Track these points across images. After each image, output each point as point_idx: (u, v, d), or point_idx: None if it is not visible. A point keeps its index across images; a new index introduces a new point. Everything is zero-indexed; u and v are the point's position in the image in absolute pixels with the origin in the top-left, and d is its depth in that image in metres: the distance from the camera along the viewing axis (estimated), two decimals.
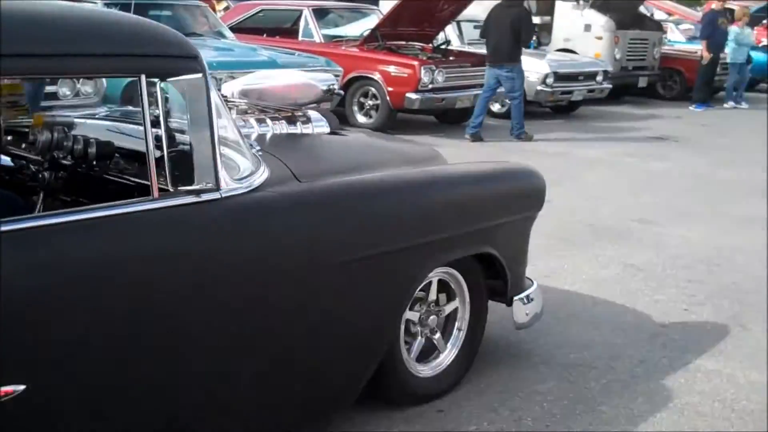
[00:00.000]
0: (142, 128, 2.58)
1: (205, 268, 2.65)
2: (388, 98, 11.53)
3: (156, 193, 2.57)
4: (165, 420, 2.69)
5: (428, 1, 11.99)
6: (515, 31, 11.28)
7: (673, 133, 12.97)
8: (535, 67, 13.65)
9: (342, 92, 11.19)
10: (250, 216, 2.83)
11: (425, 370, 3.84)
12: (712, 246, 6.74)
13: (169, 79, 2.71)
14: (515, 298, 4.09)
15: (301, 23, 12.86)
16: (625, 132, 13.07)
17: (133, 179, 3.07)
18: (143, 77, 2.56)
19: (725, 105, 17.22)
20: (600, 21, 16.15)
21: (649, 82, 17.25)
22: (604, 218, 7.52)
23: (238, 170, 2.89)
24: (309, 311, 3.05)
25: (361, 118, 11.83)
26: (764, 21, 22.44)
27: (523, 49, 15.25)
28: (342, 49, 12.11)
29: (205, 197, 2.69)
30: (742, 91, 17.71)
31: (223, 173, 2.75)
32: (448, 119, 12.83)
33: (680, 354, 4.61)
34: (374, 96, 11.75)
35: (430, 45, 12.67)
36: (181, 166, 2.71)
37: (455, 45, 13.70)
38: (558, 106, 14.55)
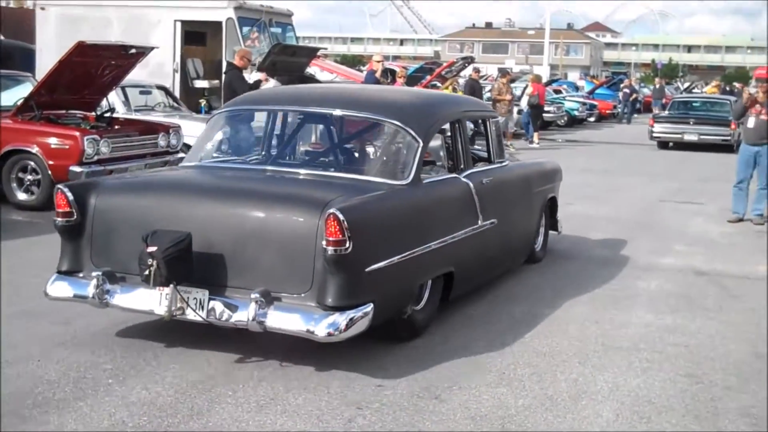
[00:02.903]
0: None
1: (509, 182, 7.54)
2: (50, 172, 10.60)
3: (494, 161, 7.41)
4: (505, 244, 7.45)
5: (87, 66, 11.21)
6: (232, 92, 11.46)
7: None
8: None
9: None
10: (509, 170, 7.65)
11: (537, 246, 8.52)
12: None
13: (490, 121, 7.48)
14: (558, 219, 9.01)
15: None
16: None
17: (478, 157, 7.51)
18: (488, 120, 7.49)
19: None
20: (269, 84, 16.08)
21: None
22: None
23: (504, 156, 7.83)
24: (524, 211, 7.91)
25: (21, 195, 10.78)
26: (422, 81, 23.76)
27: (193, 115, 15.00)
28: None
29: (504, 164, 7.56)
30: None
31: (506, 156, 7.94)
32: None
33: None
34: (35, 170, 10.76)
35: (93, 113, 11.86)
36: (492, 156, 7.44)
37: (121, 112, 12.98)
38: None
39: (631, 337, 6.25)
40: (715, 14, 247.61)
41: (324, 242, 4.92)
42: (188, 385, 4.96)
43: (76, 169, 10.49)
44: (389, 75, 21.50)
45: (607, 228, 10.80)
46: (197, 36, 18.42)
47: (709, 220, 11.92)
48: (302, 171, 6.18)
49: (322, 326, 4.95)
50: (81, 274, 5.66)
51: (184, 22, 17.66)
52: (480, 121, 7.65)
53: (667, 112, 26.33)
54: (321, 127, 7.21)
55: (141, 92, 14.39)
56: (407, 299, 5.72)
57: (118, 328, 5.95)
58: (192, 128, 13.19)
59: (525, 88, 24.32)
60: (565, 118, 31.73)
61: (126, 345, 5.63)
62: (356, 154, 6.94)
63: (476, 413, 4.74)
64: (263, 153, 6.87)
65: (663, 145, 24.70)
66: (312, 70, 23.79)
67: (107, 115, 11.82)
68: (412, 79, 23.01)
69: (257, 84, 12.60)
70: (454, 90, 19.77)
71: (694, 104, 27.19)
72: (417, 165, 5.95)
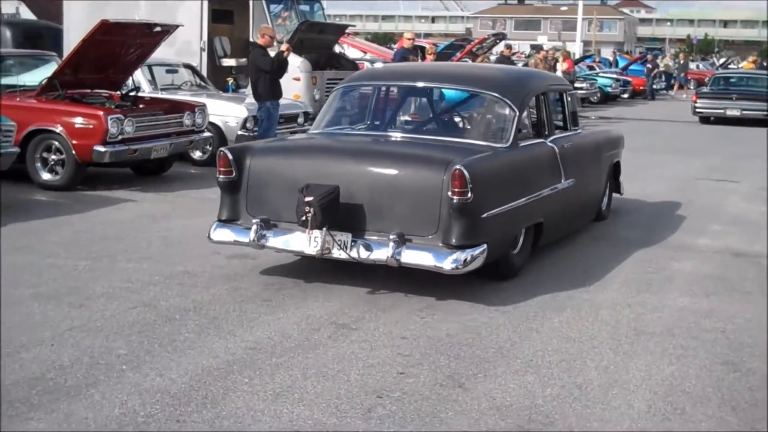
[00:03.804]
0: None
1: (584, 147, 8.61)
2: (74, 152, 10.47)
3: (569, 128, 8.43)
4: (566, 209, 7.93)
5: (112, 44, 11.07)
6: (258, 71, 12.27)
7: None
8: (233, 112, 13.16)
9: (17, 149, 9.96)
10: (584, 137, 8.78)
11: (603, 206, 9.46)
12: (425, 294, 6.48)
13: (567, 93, 8.62)
14: (621, 182, 9.95)
15: None
16: None
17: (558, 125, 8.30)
18: (564, 94, 8.51)
19: None
20: (296, 62, 15.91)
21: None
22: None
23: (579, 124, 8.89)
24: (595, 173, 8.87)
25: (45, 175, 10.66)
26: (453, 58, 23.44)
27: (220, 93, 14.85)
28: (17, 100, 10.87)
29: (578, 132, 8.64)
30: None
31: (579, 126, 8.86)
32: (145, 171, 11.96)
33: (400, 428, 4.19)
34: (59, 150, 10.64)
35: (118, 92, 11.73)
36: (567, 124, 8.46)
37: (147, 91, 12.85)
38: None
39: (665, 322, 6.00)
40: None
41: (450, 192, 6.02)
42: (204, 372, 4.80)
43: (101, 148, 10.38)
44: (419, 52, 21.23)
45: (641, 207, 10.52)
46: (225, 14, 18.17)
47: (746, 198, 11.59)
48: (419, 136, 7.42)
49: (448, 261, 6.02)
50: (239, 222, 6.73)
51: (211, 0, 17.46)
52: (559, 93, 8.55)
53: (708, 88, 27.03)
54: (431, 99, 8.28)
55: (167, 71, 14.23)
56: (510, 243, 6.87)
57: (134, 312, 5.82)
58: (219, 107, 13.07)
59: (555, 64, 23.91)
60: (599, 95, 31.18)
61: (141, 330, 5.49)
62: (463, 122, 8.12)
63: (501, 403, 4.53)
64: (380, 122, 7.90)
65: (705, 120, 25.28)
66: (341, 47, 23.64)
67: (132, 94, 11.69)
68: (442, 56, 22.70)
69: (280, 56, 12.41)
70: None
71: (734, 80, 27.92)
72: (515, 130, 7.06)
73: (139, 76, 12.87)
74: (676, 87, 41.14)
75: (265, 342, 5.32)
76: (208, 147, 12.58)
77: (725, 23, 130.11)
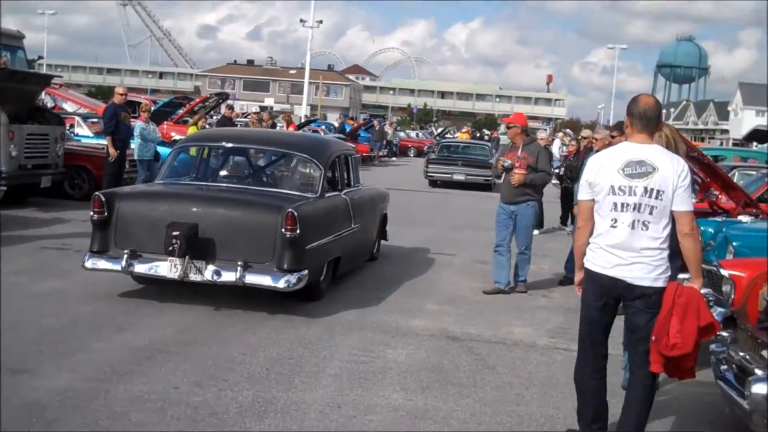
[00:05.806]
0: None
1: (364, 199, 10.84)
2: None
3: (353, 185, 10.55)
4: (352, 246, 9.93)
5: None
6: None
7: (79, 238, 11.55)
8: None
9: None
10: (363, 191, 11.07)
11: (375, 249, 11.66)
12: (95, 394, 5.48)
13: (353, 156, 11.00)
14: (387, 230, 12.29)
15: None
16: (24, 242, 11.35)
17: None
18: (350, 157, 10.66)
19: None
20: None
21: (54, 181, 15.69)
22: None
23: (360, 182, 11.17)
24: (371, 221, 11.15)
25: None
26: (173, 116, 22.43)
27: None
28: None
29: (360, 187, 10.90)
30: None
31: (360, 183, 11.12)
32: None
33: None
34: None
35: None
36: (351, 181, 10.54)
37: None
38: None
39: (378, 426, 5.41)
40: (466, 63, 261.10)
41: (283, 229, 7.83)
42: None
43: None
44: (136, 108, 20.11)
45: (358, 284, 10.08)
46: None
47: (460, 273, 11.53)
48: (248, 187, 9.27)
49: (282, 282, 7.82)
50: (109, 253, 8.18)
51: None
52: (346, 156, 10.41)
53: (437, 155, 29.86)
54: (257, 157, 10.42)
55: None
56: (321, 271, 8.70)
57: None
58: None
59: (273, 125, 23.60)
60: None
61: None
62: (281, 176, 10.06)
63: None
64: (216, 175, 9.74)
65: (433, 183, 28.04)
66: (51, 99, 21.93)
67: None
68: (160, 114, 21.64)
69: None
70: (203, 128, 18.31)
71: (458, 148, 31.42)
72: (322, 184, 9.11)
73: None
74: (377, 154, 41.86)
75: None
76: None
77: (443, 94, 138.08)
